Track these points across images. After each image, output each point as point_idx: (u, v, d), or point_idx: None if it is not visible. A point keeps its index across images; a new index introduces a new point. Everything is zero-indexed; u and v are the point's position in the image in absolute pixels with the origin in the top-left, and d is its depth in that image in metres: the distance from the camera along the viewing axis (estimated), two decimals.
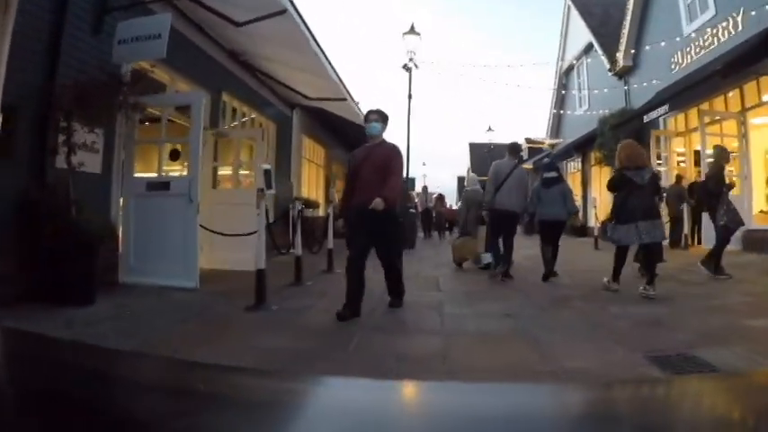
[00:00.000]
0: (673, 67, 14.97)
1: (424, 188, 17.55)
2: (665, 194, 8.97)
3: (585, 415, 0.73)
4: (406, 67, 15.16)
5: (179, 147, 9.42)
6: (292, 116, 14.51)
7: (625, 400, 0.81)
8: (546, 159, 14.68)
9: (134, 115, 6.48)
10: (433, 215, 22.05)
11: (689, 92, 12.06)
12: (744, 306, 5.43)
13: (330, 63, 9.47)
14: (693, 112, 14.01)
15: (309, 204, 13.68)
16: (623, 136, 16.61)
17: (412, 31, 15.47)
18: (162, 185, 6.95)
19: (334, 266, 8.50)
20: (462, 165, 58.80)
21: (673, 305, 5.64)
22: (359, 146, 6.02)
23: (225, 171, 10.35)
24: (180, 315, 5.13)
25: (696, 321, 4.78)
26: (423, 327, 4.89)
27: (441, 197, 23.53)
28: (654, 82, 15.88)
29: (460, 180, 53.77)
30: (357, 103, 11.48)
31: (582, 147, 21.60)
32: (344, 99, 10.41)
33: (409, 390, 0.90)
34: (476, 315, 5.29)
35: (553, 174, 8.27)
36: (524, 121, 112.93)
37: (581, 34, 22.18)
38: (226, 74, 10.09)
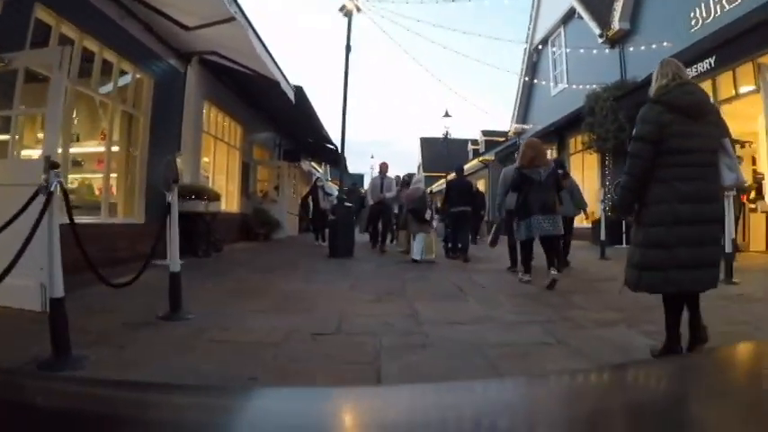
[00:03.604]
0: (693, 23, 11.56)
1: (383, 166, 11.52)
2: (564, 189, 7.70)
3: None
4: (344, 11, 11.07)
5: None
6: (186, 72, 10.20)
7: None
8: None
9: None
10: (395, 210, 12.61)
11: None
12: None
13: None
14: (727, 76, 10.39)
15: (201, 195, 9.42)
16: (624, 113, 13.24)
17: None
18: None
19: (185, 304, 4.41)
20: (413, 161, 55.25)
21: None
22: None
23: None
24: None
25: None
26: None
27: (407, 182, 12.52)
28: (665, 44, 12.32)
29: (411, 177, 50.20)
30: (260, 38, 7.40)
31: (560, 131, 18.03)
32: (232, 18, 6.30)
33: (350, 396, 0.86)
34: None
35: (560, 172, 7.78)
36: (489, 106, 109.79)
37: (558, 2, 18.73)
38: None
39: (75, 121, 8.56)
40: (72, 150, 8.25)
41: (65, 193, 3.09)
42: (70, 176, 7.80)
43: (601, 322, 4.21)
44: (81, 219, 7.30)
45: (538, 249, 6.88)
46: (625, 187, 3.33)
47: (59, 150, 6.68)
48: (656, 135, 3.14)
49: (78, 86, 6.98)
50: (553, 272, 6.17)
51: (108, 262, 6.69)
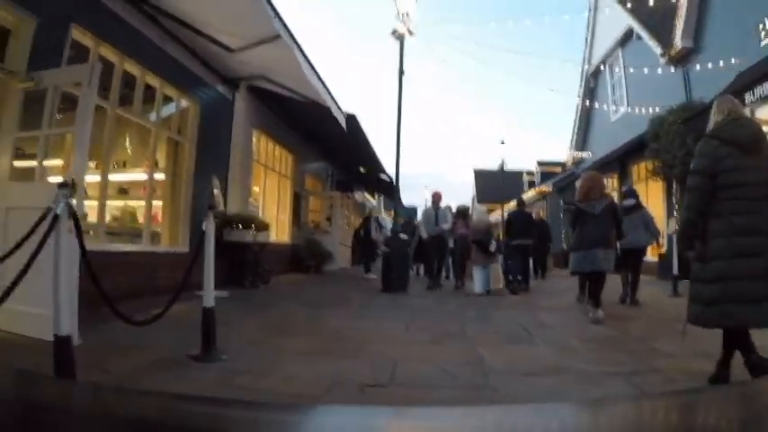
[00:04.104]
0: (763, 35, 10.71)
1: (436, 196, 11.66)
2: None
3: None
4: (396, 35, 10.75)
5: None
6: (234, 99, 10.03)
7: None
8: (623, 188, 12.96)
9: None
10: (450, 244, 11.58)
11: None
12: None
13: None
14: None
15: (248, 224, 9.11)
16: (693, 135, 12.35)
17: None
18: None
19: (222, 342, 3.95)
20: (466, 192, 54.38)
21: None
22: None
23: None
24: None
25: None
26: None
27: (463, 213, 12.05)
28: (733, 61, 11.49)
29: (466, 209, 49.42)
30: (308, 59, 7.15)
31: (621, 159, 17.06)
32: (277, 36, 6.06)
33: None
34: None
35: (632, 201, 8.21)
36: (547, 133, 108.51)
37: (615, 23, 18.03)
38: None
39: (129, 151, 8.47)
40: (118, 178, 8.12)
41: (74, 216, 2.69)
42: (113, 203, 7.65)
43: (695, 374, 3.49)
44: (122, 246, 7.15)
45: (609, 283, 6.46)
46: (685, 221, 3.44)
47: (98, 177, 6.55)
48: (712, 169, 3.24)
49: (120, 111, 6.78)
50: (599, 314, 6.13)
51: (150, 291, 6.44)
